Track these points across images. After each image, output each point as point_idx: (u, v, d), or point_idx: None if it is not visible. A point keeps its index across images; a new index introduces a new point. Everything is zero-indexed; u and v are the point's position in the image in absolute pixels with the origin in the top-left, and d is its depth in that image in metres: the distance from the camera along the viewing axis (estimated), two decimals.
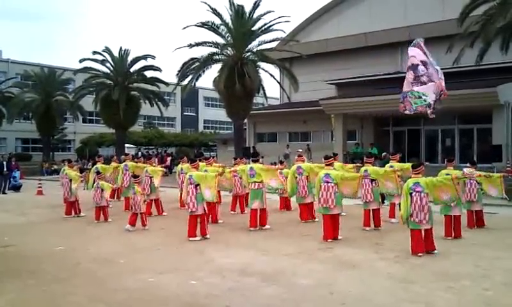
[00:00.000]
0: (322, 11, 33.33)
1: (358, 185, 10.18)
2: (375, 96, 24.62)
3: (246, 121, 31.52)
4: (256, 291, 6.49)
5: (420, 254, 8.25)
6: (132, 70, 34.96)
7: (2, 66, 46.39)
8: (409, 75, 11.30)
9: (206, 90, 53.03)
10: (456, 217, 9.97)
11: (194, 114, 62.29)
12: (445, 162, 11.53)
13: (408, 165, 11.68)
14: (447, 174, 10.04)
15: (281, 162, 15.64)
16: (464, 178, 9.98)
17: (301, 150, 16.30)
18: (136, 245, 9.57)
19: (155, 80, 34.73)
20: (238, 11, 26.59)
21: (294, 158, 14.13)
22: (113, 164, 16.48)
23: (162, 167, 15.35)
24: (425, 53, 11.20)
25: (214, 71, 28.02)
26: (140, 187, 11.89)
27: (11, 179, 22.68)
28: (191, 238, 9.90)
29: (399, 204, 12.05)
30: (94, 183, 13.41)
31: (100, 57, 33.87)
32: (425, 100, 11.09)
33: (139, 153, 33.45)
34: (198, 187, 9.99)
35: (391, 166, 12.07)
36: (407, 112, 11.46)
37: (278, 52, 28.58)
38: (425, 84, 11.10)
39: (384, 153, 16.77)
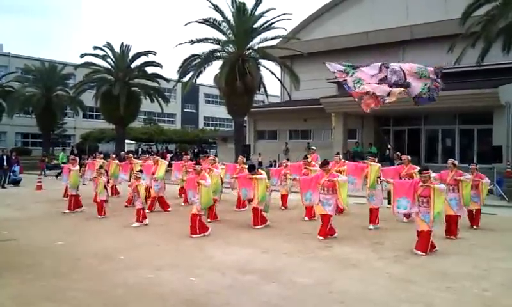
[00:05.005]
0: (324, 10, 33.25)
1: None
2: None
3: (246, 118, 31.50)
4: (256, 289, 6.49)
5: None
6: (133, 65, 34.87)
7: (2, 60, 46.22)
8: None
9: (207, 87, 52.89)
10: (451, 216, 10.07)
11: (194, 110, 62.17)
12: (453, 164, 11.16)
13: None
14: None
15: (305, 157, 15.36)
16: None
17: (314, 148, 15.98)
18: (136, 241, 9.58)
19: (155, 76, 34.67)
20: (240, 8, 26.54)
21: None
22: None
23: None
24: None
25: (215, 68, 28.04)
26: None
27: (11, 173, 22.72)
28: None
29: None
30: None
31: (101, 53, 33.81)
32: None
33: (140, 150, 33.49)
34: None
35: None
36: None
37: (279, 50, 28.49)
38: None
39: (396, 154, 15.90)
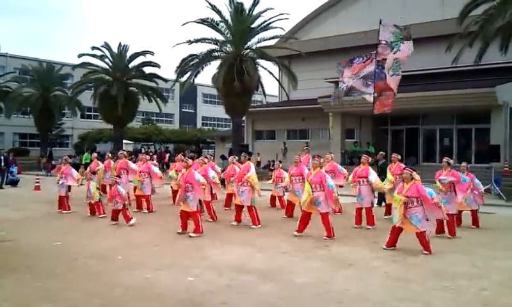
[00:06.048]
0: (321, 9, 33.29)
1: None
2: None
3: (244, 118, 31.50)
4: (253, 289, 6.48)
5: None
6: (130, 65, 34.89)
7: (0, 61, 46.16)
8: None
9: (205, 87, 52.87)
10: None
11: (192, 110, 62.13)
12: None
13: None
14: None
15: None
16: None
17: (306, 147, 15.84)
18: (133, 242, 9.55)
19: (153, 77, 34.66)
20: (237, 8, 26.57)
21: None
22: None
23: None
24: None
25: (213, 68, 28.09)
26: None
27: (9, 174, 22.70)
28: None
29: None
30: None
31: (98, 53, 33.81)
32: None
33: (143, 150, 33.34)
34: None
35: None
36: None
37: (277, 50, 28.51)
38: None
39: (380, 154, 15.45)
